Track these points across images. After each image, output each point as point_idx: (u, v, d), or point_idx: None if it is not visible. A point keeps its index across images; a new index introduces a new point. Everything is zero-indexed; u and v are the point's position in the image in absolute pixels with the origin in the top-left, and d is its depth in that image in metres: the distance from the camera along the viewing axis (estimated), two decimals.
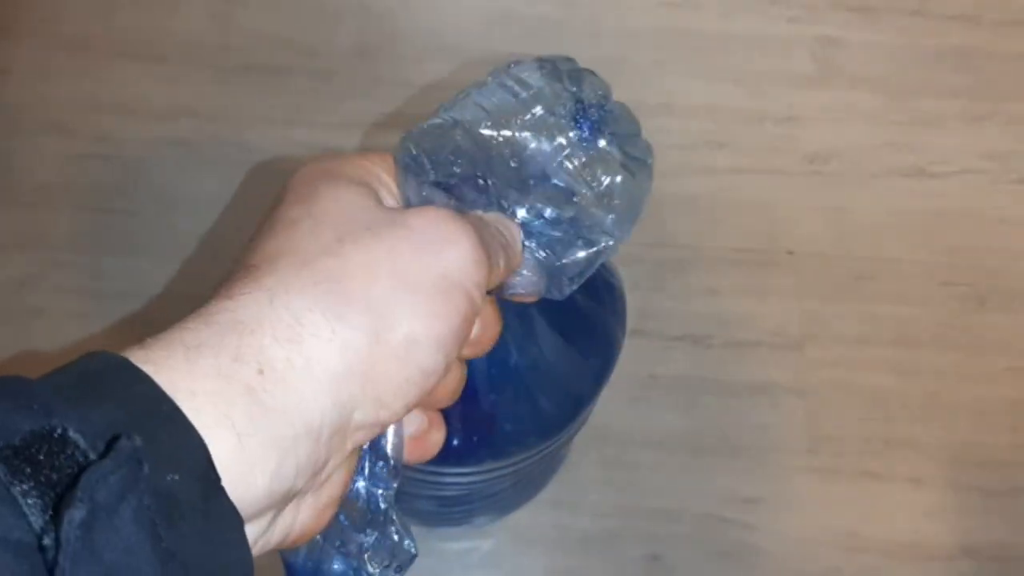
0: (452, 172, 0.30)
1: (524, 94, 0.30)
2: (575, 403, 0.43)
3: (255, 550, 0.25)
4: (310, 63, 0.75)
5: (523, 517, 0.63)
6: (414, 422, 0.31)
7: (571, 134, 0.30)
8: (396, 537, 0.30)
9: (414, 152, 0.30)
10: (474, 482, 0.47)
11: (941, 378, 0.67)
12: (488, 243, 0.28)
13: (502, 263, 0.30)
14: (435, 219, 0.27)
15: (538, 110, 0.29)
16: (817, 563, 0.63)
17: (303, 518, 0.27)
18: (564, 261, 0.31)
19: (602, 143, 0.30)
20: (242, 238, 0.29)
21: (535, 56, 0.31)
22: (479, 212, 0.31)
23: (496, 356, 0.41)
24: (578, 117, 0.30)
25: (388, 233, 0.27)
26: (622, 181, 0.30)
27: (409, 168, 0.30)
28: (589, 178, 0.30)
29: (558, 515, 0.64)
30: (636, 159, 0.31)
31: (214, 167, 0.71)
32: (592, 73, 0.31)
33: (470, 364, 0.42)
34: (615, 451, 0.65)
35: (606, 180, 0.30)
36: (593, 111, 0.30)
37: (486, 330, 0.30)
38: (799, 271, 0.69)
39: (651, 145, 0.32)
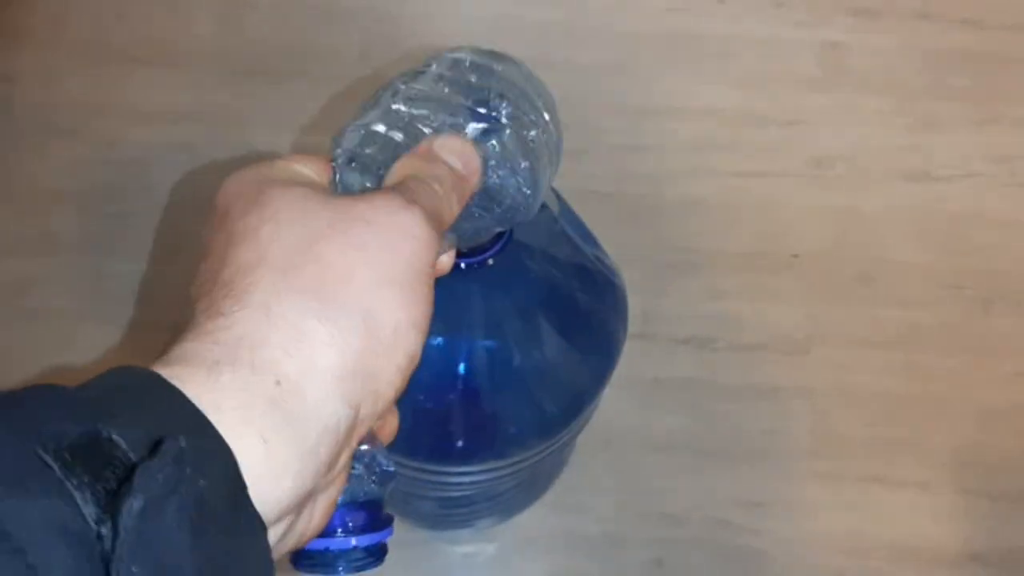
0: (384, 161, 0.31)
1: (426, 103, 0.32)
2: (577, 401, 0.43)
3: (275, 555, 0.26)
4: (316, 68, 0.75)
5: (527, 520, 0.63)
6: None
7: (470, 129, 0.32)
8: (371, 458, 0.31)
9: (343, 151, 0.32)
10: (477, 482, 0.46)
11: (947, 382, 0.67)
12: (437, 207, 0.29)
13: (455, 202, 0.31)
14: (388, 210, 0.28)
15: (442, 117, 0.32)
16: (823, 568, 0.63)
17: (316, 516, 0.28)
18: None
19: (506, 133, 0.32)
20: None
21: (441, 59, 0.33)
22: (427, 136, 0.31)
23: (497, 355, 0.41)
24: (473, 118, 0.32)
25: (352, 229, 0.27)
26: (530, 158, 0.32)
27: (345, 166, 0.32)
28: (502, 171, 0.32)
29: (562, 519, 0.63)
30: (533, 121, 0.32)
31: (220, 171, 0.71)
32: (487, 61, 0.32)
33: (473, 364, 0.42)
34: (619, 455, 0.65)
35: (522, 164, 0.32)
36: (483, 109, 0.32)
37: None
38: (804, 274, 0.69)
39: (547, 98, 0.33)
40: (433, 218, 0.29)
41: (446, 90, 0.32)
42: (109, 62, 0.75)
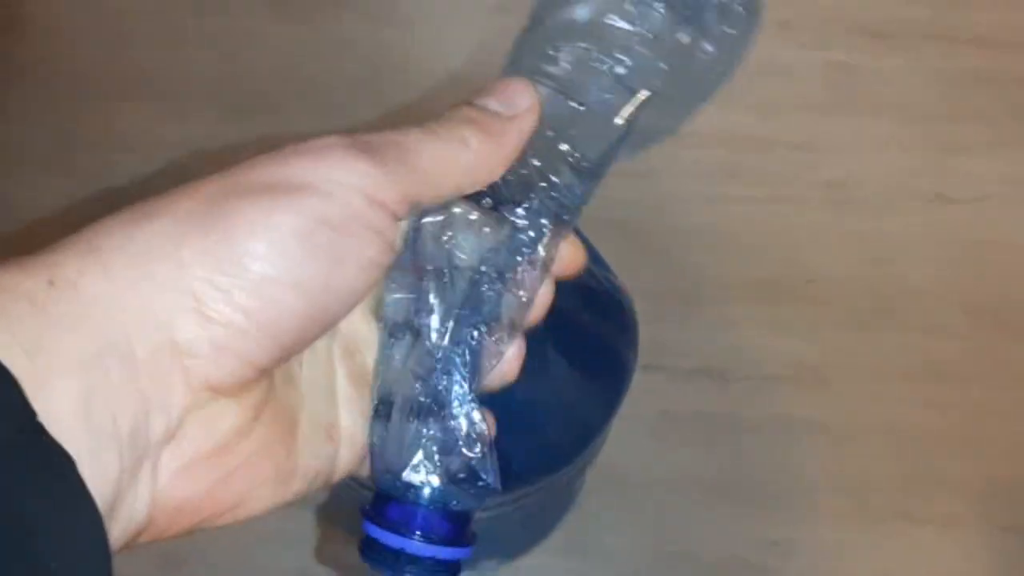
0: None
1: None
2: (584, 432, 0.41)
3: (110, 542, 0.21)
4: (314, 97, 0.74)
5: (532, 563, 0.60)
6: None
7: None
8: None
9: None
10: (479, 519, 0.44)
11: (973, 412, 0.65)
12: (396, 145, 0.25)
13: (473, 141, 0.26)
14: (297, 142, 0.24)
15: None
16: None
17: (166, 486, 0.23)
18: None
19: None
20: None
21: None
22: None
23: None
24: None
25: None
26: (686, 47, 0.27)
27: None
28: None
29: (569, 561, 0.61)
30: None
31: None
32: None
33: None
34: (628, 493, 0.62)
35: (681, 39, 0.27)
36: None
37: (567, 255, 0.28)
38: (820, 301, 0.67)
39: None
40: (374, 148, 0.24)
41: None
42: (100, 95, 0.74)
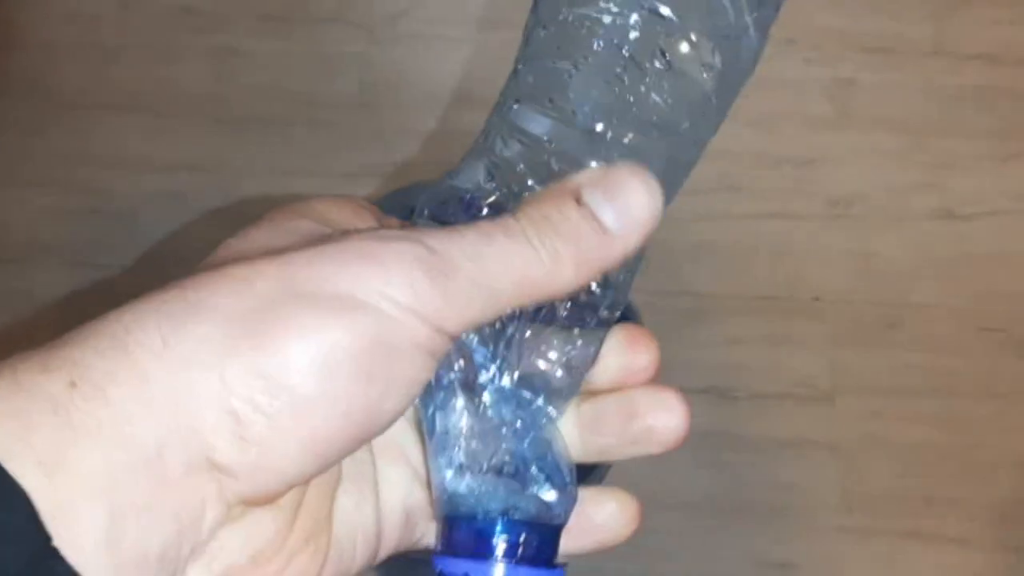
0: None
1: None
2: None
3: None
4: (310, 113, 0.73)
5: None
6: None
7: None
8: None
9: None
10: None
11: (981, 430, 0.64)
12: (474, 257, 0.21)
13: (568, 267, 0.22)
14: (367, 236, 0.22)
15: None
16: None
17: None
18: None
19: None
20: None
21: None
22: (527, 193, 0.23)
23: None
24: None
25: (300, 249, 0.21)
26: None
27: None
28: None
29: None
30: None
31: (211, 221, 0.69)
32: None
33: None
34: None
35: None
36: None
37: (636, 357, 0.24)
38: (826, 319, 0.66)
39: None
40: (445, 263, 0.21)
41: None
42: (95, 110, 0.72)
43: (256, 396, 0.20)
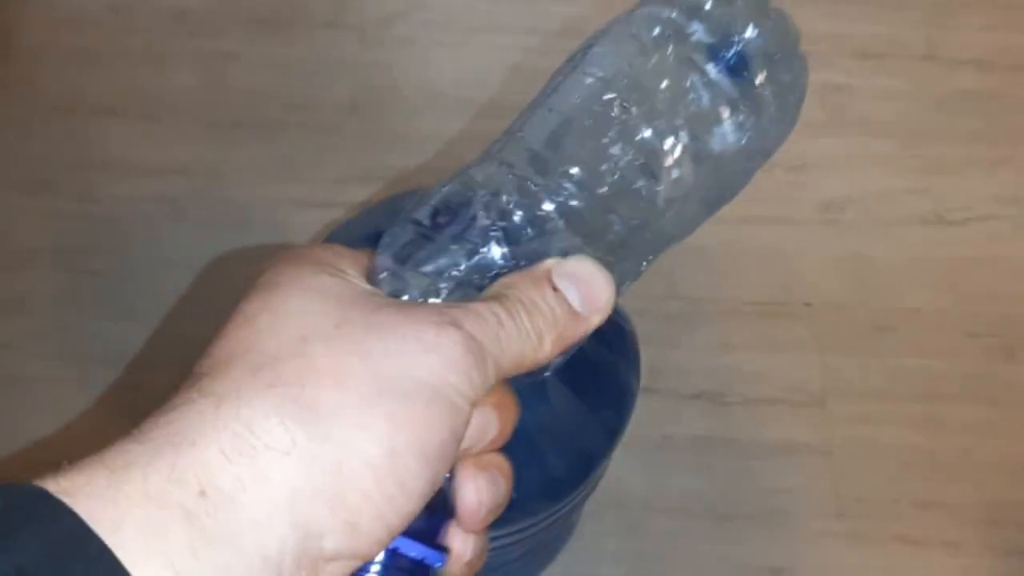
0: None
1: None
2: (587, 461, 0.40)
3: None
4: (303, 118, 0.73)
5: None
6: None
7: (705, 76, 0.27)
8: None
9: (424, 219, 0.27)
10: None
11: (972, 434, 0.64)
12: (499, 341, 0.25)
13: (548, 343, 0.26)
14: (417, 325, 0.24)
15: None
16: None
17: None
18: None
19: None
20: (234, 301, 0.26)
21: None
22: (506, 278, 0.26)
23: None
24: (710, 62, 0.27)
25: (360, 334, 0.23)
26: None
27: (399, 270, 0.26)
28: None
29: None
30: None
31: (204, 225, 0.69)
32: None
33: None
34: (629, 519, 0.61)
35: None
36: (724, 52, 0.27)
37: (503, 424, 0.26)
38: (817, 323, 0.66)
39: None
40: (482, 350, 0.24)
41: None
42: (86, 115, 0.72)
43: (372, 490, 0.22)
